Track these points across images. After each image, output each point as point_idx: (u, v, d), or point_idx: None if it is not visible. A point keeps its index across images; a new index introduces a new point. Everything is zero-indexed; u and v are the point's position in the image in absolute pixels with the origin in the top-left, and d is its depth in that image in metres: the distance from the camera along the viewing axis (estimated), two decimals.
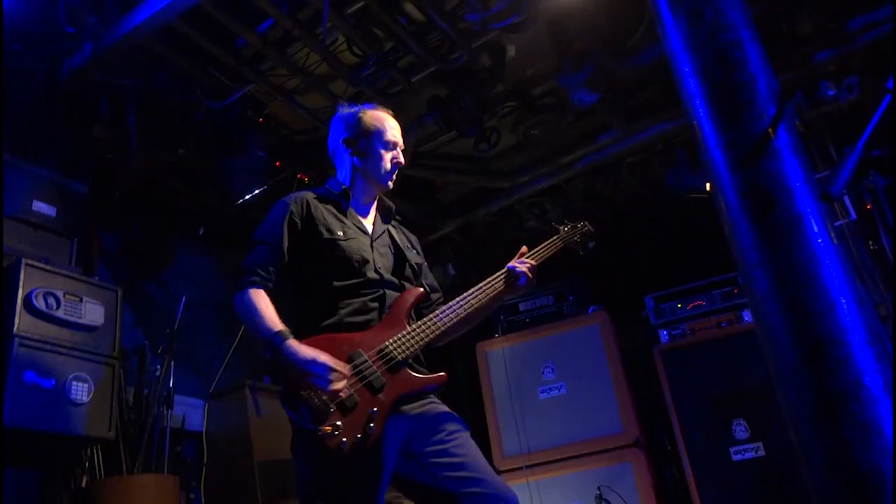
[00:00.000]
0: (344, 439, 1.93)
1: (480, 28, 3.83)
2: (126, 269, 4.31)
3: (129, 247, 4.43)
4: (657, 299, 4.84)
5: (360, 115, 2.45)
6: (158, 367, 3.90)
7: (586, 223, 2.78)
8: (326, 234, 2.26)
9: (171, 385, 3.87)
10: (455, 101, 4.41)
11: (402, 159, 2.44)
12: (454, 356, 4.91)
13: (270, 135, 4.43)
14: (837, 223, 3.46)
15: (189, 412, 4.17)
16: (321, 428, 1.92)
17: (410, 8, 3.85)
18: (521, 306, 5.13)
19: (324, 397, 1.95)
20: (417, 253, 2.50)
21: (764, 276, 1.74)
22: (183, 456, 3.91)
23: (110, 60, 3.77)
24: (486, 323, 5.11)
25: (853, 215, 3.49)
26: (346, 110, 2.49)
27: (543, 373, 4.78)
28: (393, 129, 2.46)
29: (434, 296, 2.42)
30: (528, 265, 2.36)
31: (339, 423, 1.94)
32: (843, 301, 1.56)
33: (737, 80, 1.89)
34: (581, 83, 4.32)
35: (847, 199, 3.53)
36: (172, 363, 3.90)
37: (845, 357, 1.49)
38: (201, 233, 4.76)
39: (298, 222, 2.28)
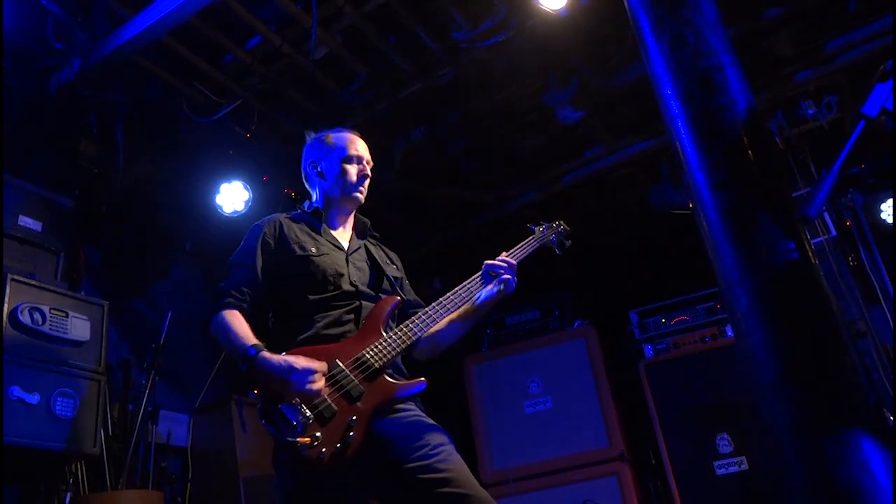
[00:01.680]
0: (323, 450, 1.93)
1: (467, 46, 3.89)
2: (112, 284, 4.30)
3: (115, 262, 4.42)
4: (642, 314, 4.88)
5: (324, 137, 2.52)
6: (144, 382, 3.89)
7: (562, 222, 2.80)
8: (299, 252, 2.29)
9: (156, 400, 3.87)
10: (442, 117, 4.46)
11: (368, 172, 2.48)
12: (440, 370, 4.91)
13: (258, 149, 4.44)
14: (817, 240, 3.52)
15: (174, 427, 4.16)
16: (299, 440, 1.92)
17: (398, 26, 3.89)
18: (508, 320, 5.16)
19: (301, 408, 1.95)
20: (397, 268, 2.53)
21: (744, 294, 1.78)
22: (168, 471, 3.90)
23: (98, 76, 3.79)
24: (472, 337, 5.15)
25: (833, 232, 3.56)
26: (311, 137, 2.57)
27: (529, 387, 4.80)
28: (355, 145, 2.50)
29: (413, 311, 2.40)
30: (503, 260, 2.38)
31: (317, 433, 1.94)
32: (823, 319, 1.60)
33: (717, 104, 1.94)
34: (566, 101, 4.39)
35: (827, 216, 3.60)
36: (157, 378, 3.89)
37: (823, 373, 1.54)
38: (188, 248, 4.76)
39: (271, 242, 2.31)
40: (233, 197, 4.30)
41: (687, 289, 4.79)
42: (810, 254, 1.81)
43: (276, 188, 4.43)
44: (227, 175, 4.23)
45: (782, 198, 1.83)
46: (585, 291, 5.36)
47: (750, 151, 1.91)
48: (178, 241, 4.77)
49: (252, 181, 4.26)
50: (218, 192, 4.28)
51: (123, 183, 4.15)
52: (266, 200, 4.30)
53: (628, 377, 4.75)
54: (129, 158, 4.07)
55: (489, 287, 2.36)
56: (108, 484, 3.47)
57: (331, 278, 2.25)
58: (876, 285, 3.01)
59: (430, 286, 5.32)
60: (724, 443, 4.21)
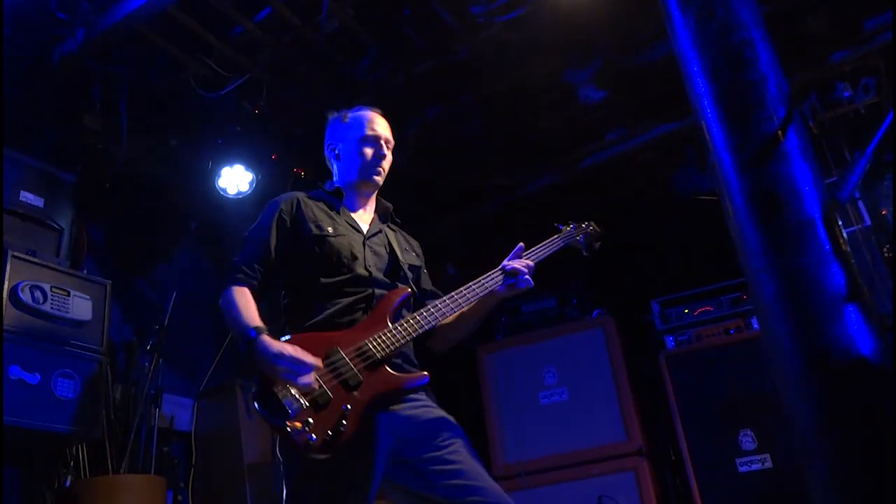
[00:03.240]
0: (313, 436, 1.94)
1: (485, 21, 3.86)
2: (115, 262, 4.34)
3: (119, 240, 4.45)
4: (663, 304, 4.85)
5: (342, 118, 2.52)
6: (147, 364, 3.92)
7: (591, 223, 2.78)
8: (315, 231, 2.30)
9: (159, 383, 3.90)
10: (457, 95, 4.44)
11: (386, 153, 2.46)
12: (452, 359, 4.91)
13: (266, 126, 4.44)
14: (850, 229, 3.47)
15: (178, 411, 4.20)
16: (289, 424, 1.94)
17: None
18: (523, 308, 5.14)
19: (295, 393, 1.96)
20: (417, 256, 2.52)
21: (770, 282, 1.76)
22: (171, 456, 3.94)
23: (103, 47, 3.80)
24: (487, 325, 5.14)
25: (867, 221, 3.50)
26: (332, 116, 2.57)
27: (545, 377, 4.79)
28: (375, 125, 2.48)
29: (429, 302, 2.39)
30: (524, 264, 2.37)
31: (309, 419, 1.95)
32: (852, 310, 1.58)
33: (746, 81, 1.91)
34: (588, 80, 4.35)
35: (861, 205, 3.54)
36: (161, 361, 3.93)
37: (850, 366, 1.51)
38: (194, 227, 4.78)
39: (287, 220, 2.32)
40: (238, 177, 4.30)
41: (711, 278, 4.75)
42: (842, 241, 1.78)
43: (284, 167, 4.43)
44: (234, 152, 4.23)
45: (813, 181, 1.80)
46: (605, 279, 5.33)
47: (779, 131, 1.88)
48: (183, 221, 4.78)
49: (259, 159, 4.26)
50: (222, 172, 4.28)
51: (128, 158, 4.17)
52: (273, 180, 4.31)
53: (648, 369, 4.73)
54: (133, 133, 4.08)
55: (505, 287, 2.34)
56: (110, 468, 3.51)
57: (345, 261, 2.26)
58: None
59: (444, 271, 5.33)
60: (748, 439, 4.18)
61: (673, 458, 4.59)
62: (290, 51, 4.07)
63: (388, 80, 4.32)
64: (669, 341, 4.69)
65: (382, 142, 2.47)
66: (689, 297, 4.80)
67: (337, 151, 2.48)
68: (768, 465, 4.09)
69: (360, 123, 2.47)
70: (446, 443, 2.09)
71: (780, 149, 1.82)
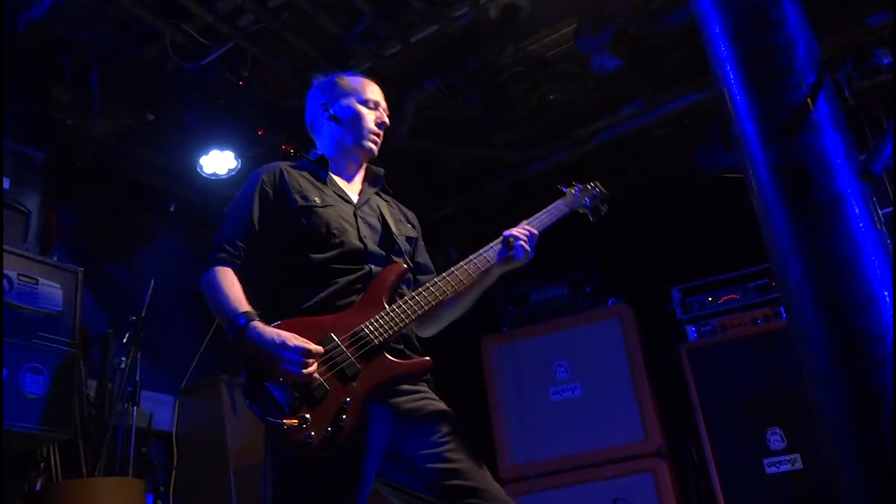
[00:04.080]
0: (311, 433, 1.92)
1: None
2: (88, 248, 4.33)
3: (91, 223, 4.44)
4: (685, 292, 4.85)
5: (337, 79, 2.51)
6: (124, 358, 3.92)
7: (597, 184, 2.76)
8: (301, 202, 2.27)
9: (137, 379, 3.90)
10: (459, 65, 4.41)
11: (386, 119, 2.48)
12: (455, 352, 4.92)
13: (252, 100, 4.43)
14: (886, 210, 3.44)
15: (157, 409, 4.21)
16: (286, 421, 1.92)
17: None
18: (532, 297, 5.14)
19: (289, 387, 1.95)
20: (413, 227, 2.51)
21: (797, 264, 1.75)
22: (149, 458, 3.95)
23: (73, 13, 3.77)
24: (493, 315, 5.15)
25: None
26: (321, 78, 2.55)
27: (556, 372, 4.79)
28: (372, 89, 2.50)
29: (424, 277, 2.40)
30: (524, 231, 2.36)
31: (306, 415, 1.94)
32: (886, 294, 1.56)
33: (772, 44, 1.89)
34: (602, 47, 4.32)
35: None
36: (139, 354, 3.93)
37: (885, 357, 1.50)
38: (173, 209, 4.77)
39: (270, 191, 2.30)
40: (221, 155, 4.29)
41: (737, 264, 4.74)
42: (876, 219, 1.76)
43: (272, 144, 4.41)
44: (217, 127, 4.22)
45: (846, 154, 1.78)
46: (621, 265, 5.32)
47: (809, 99, 1.86)
48: (162, 202, 4.77)
49: (244, 135, 4.25)
50: (204, 150, 4.27)
51: (101, 135, 4.15)
52: (260, 158, 4.29)
53: (668, 363, 4.74)
54: (106, 108, 4.06)
55: (505, 259, 2.34)
56: (84, 470, 3.52)
57: (336, 232, 2.24)
58: None
59: (446, 256, 5.31)
60: (776, 438, 4.19)
61: (695, 458, 4.60)
62: (276, 16, 4.04)
63: (383, 48, 4.29)
64: (691, 332, 4.70)
65: (382, 109, 2.48)
66: (712, 284, 4.80)
67: (332, 112, 2.45)
68: (798, 465, 4.10)
69: (360, 86, 2.48)
70: (446, 439, 2.08)
71: (810, 118, 1.80)
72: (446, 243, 5.38)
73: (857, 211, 1.69)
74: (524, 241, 2.34)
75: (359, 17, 4.17)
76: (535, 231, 2.38)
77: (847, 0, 4.11)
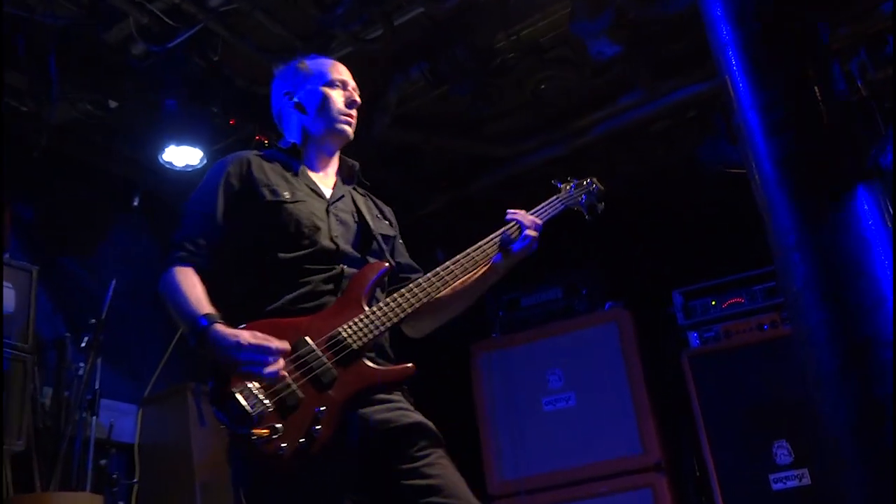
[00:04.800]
0: (283, 444, 1.90)
1: None
2: (44, 244, 4.31)
3: (48, 218, 4.41)
4: (687, 295, 4.86)
5: (298, 64, 2.51)
6: (82, 364, 3.90)
7: (594, 180, 2.75)
8: (269, 196, 2.26)
9: (96, 386, 3.88)
10: (447, 51, 4.40)
11: (357, 98, 2.47)
12: (441, 359, 4.91)
13: (223, 86, 4.41)
14: None
15: (118, 419, 4.18)
16: (255, 431, 1.89)
17: None
18: (524, 300, 5.14)
19: (259, 394, 1.92)
20: (390, 224, 2.50)
21: (802, 263, 1.75)
22: (109, 471, 3.92)
23: None
24: (482, 320, 5.15)
25: None
26: (282, 67, 2.55)
27: (549, 380, 4.80)
28: (338, 69, 2.50)
29: (408, 277, 2.39)
30: (530, 220, 2.35)
31: (277, 425, 1.91)
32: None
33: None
34: (599, 31, 4.32)
35: None
36: (99, 360, 3.90)
37: (893, 363, 1.50)
38: (137, 203, 4.75)
39: (236, 184, 2.28)
40: (190, 147, 4.28)
41: (743, 265, 4.76)
42: (888, 216, 1.77)
43: (244, 133, 4.40)
44: (185, 115, 4.20)
45: (854, 145, 1.78)
46: (619, 266, 5.33)
47: (816, 87, 1.86)
48: (124, 196, 4.75)
49: (214, 124, 4.23)
50: (172, 140, 4.25)
51: (59, 123, 4.12)
52: (230, 149, 4.26)
53: (669, 371, 4.76)
54: (65, 94, 4.04)
55: (505, 252, 2.32)
56: (38, 485, 3.49)
57: (306, 231, 2.22)
58: None
59: (431, 257, 5.30)
60: (783, 452, 4.20)
61: (697, 473, 4.62)
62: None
63: (365, 32, 4.27)
64: (693, 338, 4.71)
65: (351, 88, 2.48)
66: (716, 287, 4.82)
67: (296, 100, 2.44)
68: (806, 481, 4.11)
69: (324, 68, 2.48)
70: (423, 453, 2.07)
71: (817, 108, 1.80)
72: (432, 242, 5.37)
73: (865, 207, 1.68)
74: (532, 229, 2.33)
75: None
76: (539, 221, 2.38)
77: None
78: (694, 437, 4.45)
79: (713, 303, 4.79)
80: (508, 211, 2.37)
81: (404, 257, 2.49)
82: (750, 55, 1.97)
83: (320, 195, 2.36)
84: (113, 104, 4.38)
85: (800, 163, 1.80)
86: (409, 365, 2.15)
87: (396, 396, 2.17)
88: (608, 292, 5.07)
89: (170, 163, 4.33)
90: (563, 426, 4.68)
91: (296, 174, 2.37)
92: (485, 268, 2.35)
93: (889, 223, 1.77)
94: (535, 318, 5.08)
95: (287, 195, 2.27)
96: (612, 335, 4.77)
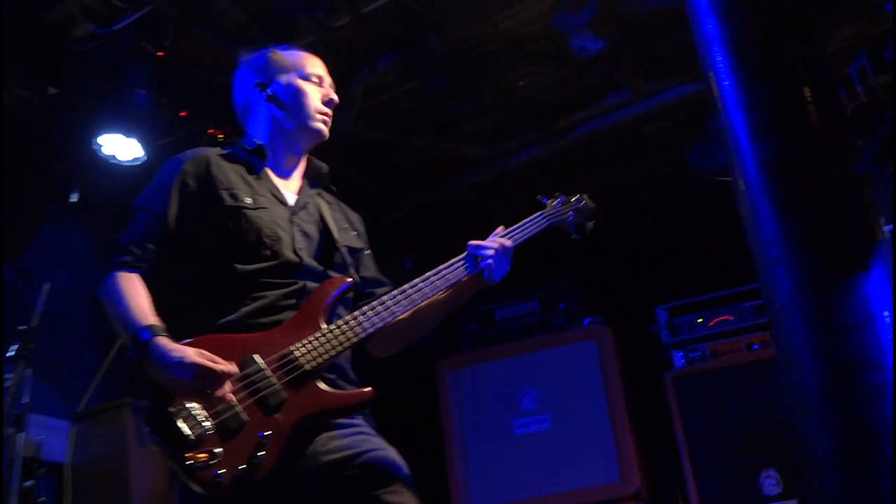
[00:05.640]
0: (221, 471, 1.89)
1: None
2: None
3: None
4: (672, 311, 4.88)
5: (271, 54, 2.49)
6: (10, 375, 3.83)
7: (584, 196, 2.80)
8: (229, 201, 2.24)
9: (25, 400, 3.81)
10: (419, 42, 4.40)
11: (334, 96, 2.47)
12: (405, 376, 4.90)
13: (173, 74, 4.38)
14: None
15: (48, 437, 4.12)
16: (192, 455, 1.88)
17: None
18: (498, 314, 5.15)
19: (198, 415, 1.91)
20: (357, 235, 2.50)
21: (787, 277, 1.75)
22: (36, 494, 3.87)
23: None
24: (451, 334, 5.13)
25: None
26: (250, 55, 2.54)
27: (522, 401, 4.79)
28: (315, 62, 2.50)
29: (374, 293, 2.38)
30: (497, 244, 2.36)
31: (216, 450, 1.90)
32: (887, 314, 1.56)
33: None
34: (583, 25, 4.34)
35: None
36: (29, 371, 3.84)
37: (881, 386, 1.50)
38: (75, 199, 4.70)
39: (193, 185, 2.26)
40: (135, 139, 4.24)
41: (732, 280, 4.78)
42: (876, 228, 1.77)
43: (196, 126, 4.38)
44: (131, 105, 4.16)
45: (846, 150, 1.79)
46: (600, 279, 5.34)
47: (807, 88, 1.87)
48: (61, 192, 4.69)
49: (163, 116, 4.21)
50: (117, 132, 4.22)
51: None
52: (180, 143, 4.26)
53: (651, 393, 4.76)
54: None
55: (473, 278, 2.36)
56: None
57: (267, 241, 2.21)
58: None
59: (400, 266, 5.30)
60: (771, 482, 4.22)
61: (679, 503, 4.61)
62: None
63: (331, 19, 4.25)
64: (678, 358, 4.73)
65: (328, 85, 2.48)
66: (703, 304, 4.83)
67: (270, 92, 2.42)
68: None
69: (300, 60, 2.48)
70: (385, 482, 2.07)
71: (807, 109, 1.80)
72: (401, 250, 5.37)
73: (857, 218, 1.69)
74: (492, 259, 2.34)
75: None
76: (508, 244, 2.40)
77: None
78: (676, 465, 4.46)
79: (700, 320, 4.82)
80: (469, 244, 2.37)
81: (371, 271, 2.48)
82: (737, 51, 1.98)
83: (283, 202, 2.34)
84: (52, 90, 4.34)
85: (786, 168, 1.80)
86: (368, 389, 2.15)
87: (357, 420, 2.17)
88: (588, 307, 5.09)
89: (112, 156, 4.29)
90: (536, 451, 4.68)
91: (258, 177, 2.35)
92: (456, 288, 2.36)
93: (880, 235, 1.77)
94: (509, 332, 5.09)
95: (248, 200, 2.26)
96: (591, 353, 4.79)
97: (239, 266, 2.18)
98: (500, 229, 2.45)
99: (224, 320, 2.12)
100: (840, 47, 4.34)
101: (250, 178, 2.33)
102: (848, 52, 4.27)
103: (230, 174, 2.31)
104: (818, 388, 1.59)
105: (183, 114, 4.49)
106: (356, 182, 5.25)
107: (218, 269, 2.20)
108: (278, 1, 4.19)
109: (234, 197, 2.25)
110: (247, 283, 2.18)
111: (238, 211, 2.23)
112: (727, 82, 1.93)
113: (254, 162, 2.38)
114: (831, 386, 1.58)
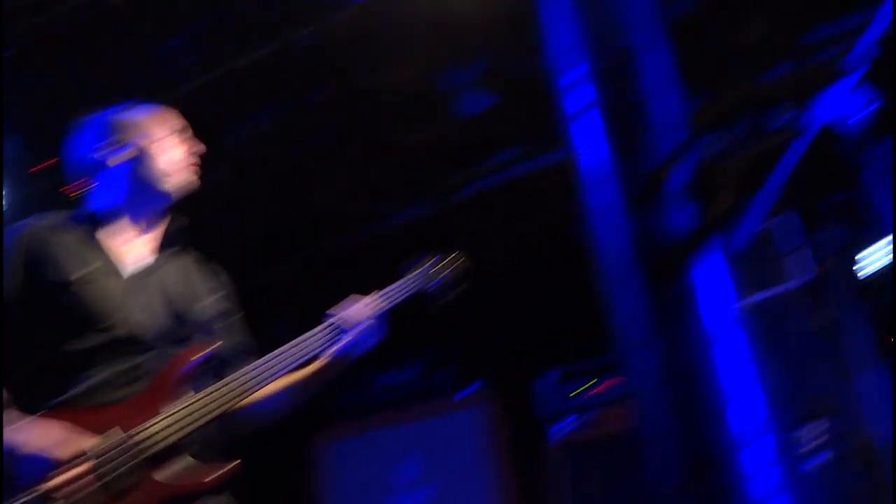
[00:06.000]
0: None
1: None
2: None
3: None
4: (565, 375, 4.86)
5: (114, 115, 2.40)
6: None
7: (458, 256, 2.81)
8: (58, 276, 2.17)
9: None
10: (298, 96, 4.40)
11: (196, 144, 2.41)
12: (274, 452, 4.78)
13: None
14: (774, 290, 3.54)
15: None
16: None
17: None
18: (378, 380, 5.10)
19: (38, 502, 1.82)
20: (220, 297, 2.43)
21: (653, 360, 1.74)
22: None
23: None
24: (324, 404, 5.03)
25: (795, 281, 3.59)
26: (91, 118, 2.43)
27: (401, 475, 4.73)
28: (167, 120, 2.41)
29: (237, 362, 2.31)
30: (360, 315, 2.34)
31: None
32: (738, 401, 1.56)
33: (628, 103, 1.93)
34: (473, 82, 4.41)
35: (793, 259, 3.64)
36: None
37: (731, 484, 1.49)
38: None
39: (23, 262, 2.18)
40: None
41: None
42: (743, 306, 1.79)
43: (48, 184, 4.22)
44: None
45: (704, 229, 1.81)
46: (487, 342, 5.33)
47: (662, 170, 1.89)
48: None
49: (11, 173, 4.07)
50: None
51: None
52: (30, 204, 4.15)
53: (541, 463, 4.71)
54: None
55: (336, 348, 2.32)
56: None
57: (97, 317, 2.14)
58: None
59: (269, 335, 5.20)
60: None
61: None
62: (73, 18, 3.93)
63: (202, 70, 4.25)
64: (569, 424, 4.69)
65: (188, 136, 2.41)
66: (596, 368, 4.83)
67: (122, 152, 2.32)
68: None
69: (147, 118, 2.39)
70: None
71: (664, 190, 1.82)
72: (271, 318, 5.27)
73: (712, 301, 1.70)
74: (353, 332, 2.31)
75: (175, 30, 4.16)
76: (372, 312, 2.37)
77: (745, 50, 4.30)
78: None
79: (593, 382, 4.81)
80: (327, 314, 2.34)
81: (233, 337, 2.40)
82: (604, 125, 2.00)
83: (117, 272, 2.26)
84: None
85: (649, 248, 1.81)
86: (234, 462, 2.07)
87: (224, 498, 2.11)
88: (474, 371, 5.09)
89: None
90: None
91: (93, 246, 2.26)
92: (322, 360, 2.33)
93: (743, 313, 1.79)
94: (388, 400, 5.08)
95: (77, 275, 2.17)
96: (476, 421, 4.81)
97: (70, 345, 2.11)
98: (373, 294, 2.42)
99: (55, 401, 2.04)
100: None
101: (84, 249, 2.25)
102: (720, 120, 4.40)
103: (61, 246, 2.23)
104: (675, 482, 1.58)
105: (32, 170, 4.36)
106: (229, 242, 5.14)
107: (50, 350, 2.12)
108: (150, 47, 4.15)
109: (63, 271, 2.17)
110: (80, 362, 2.10)
111: (66, 287, 2.15)
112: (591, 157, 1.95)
113: (88, 229, 2.29)
114: (688, 482, 1.57)
